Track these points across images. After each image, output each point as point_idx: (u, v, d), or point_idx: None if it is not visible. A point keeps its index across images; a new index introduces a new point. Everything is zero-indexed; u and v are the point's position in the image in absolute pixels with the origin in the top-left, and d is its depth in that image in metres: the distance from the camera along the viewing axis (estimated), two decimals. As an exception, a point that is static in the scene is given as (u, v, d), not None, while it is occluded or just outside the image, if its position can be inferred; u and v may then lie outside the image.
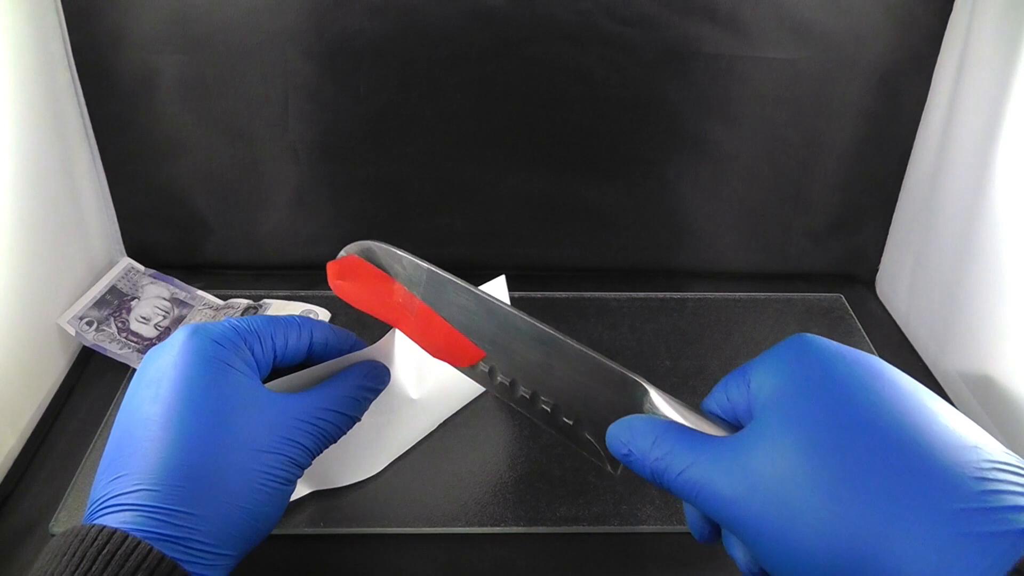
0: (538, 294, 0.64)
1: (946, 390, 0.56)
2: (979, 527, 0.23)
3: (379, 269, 0.40)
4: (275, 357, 0.37)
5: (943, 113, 0.57)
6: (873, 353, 0.58)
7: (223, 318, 0.43)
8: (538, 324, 0.36)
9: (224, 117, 0.59)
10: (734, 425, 0.31)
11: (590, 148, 0.61)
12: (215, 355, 0.34)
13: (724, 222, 0.65)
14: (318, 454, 0.36)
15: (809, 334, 0.30)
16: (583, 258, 0.67)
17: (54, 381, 0.54)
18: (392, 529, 0.44)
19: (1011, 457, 0.25)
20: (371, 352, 0.40)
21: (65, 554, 0.29)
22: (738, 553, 0.30)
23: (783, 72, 0.58)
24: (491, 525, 0.45)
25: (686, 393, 0.54)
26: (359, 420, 0.39)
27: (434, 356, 0.40)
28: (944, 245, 0.57)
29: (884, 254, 0.67)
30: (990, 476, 0.24)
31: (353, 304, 0.41)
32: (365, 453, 0.45)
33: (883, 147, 0.62)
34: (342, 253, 0.41)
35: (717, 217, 0.65)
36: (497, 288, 0.47)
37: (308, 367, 0.38)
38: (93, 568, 0.28)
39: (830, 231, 0.66)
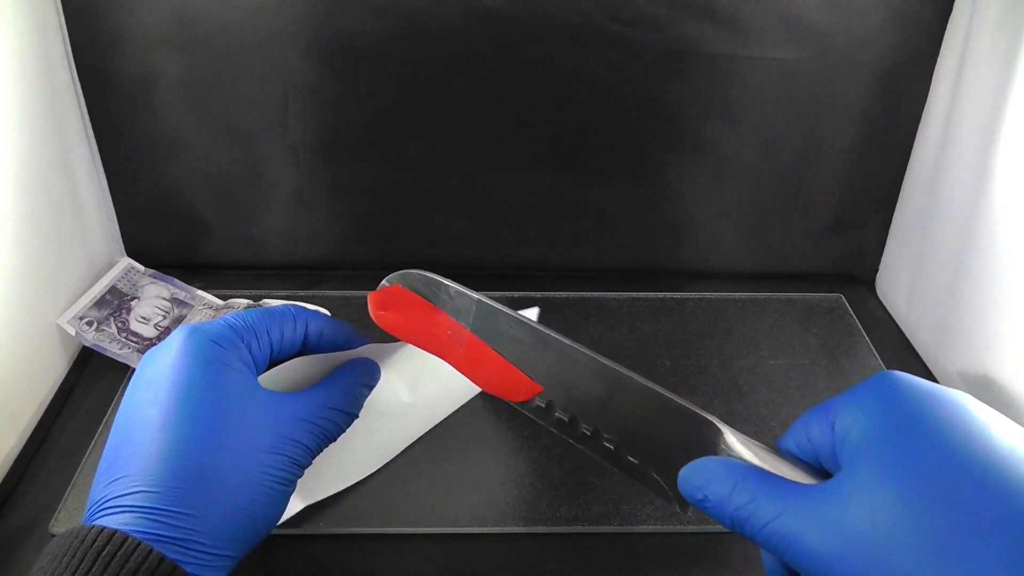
0: (538, 294, 0.64)
1: (946, 390, 0.56)
2: None
3: (424, 299, 0.39)
4: (272, 352, 0.37)
5: (943, 113, 0.57)
6: (873, 353, 0.58)
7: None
8: (599, 358, 0.34)
9: (224, 117, 0.59)
10: (816, 468, 0.29)
11: (590, 148, 0.61)
12: (213, 355, 0.34)
13: (724, 222, 0.65)
14: (318, 453, 0.36)
15: (897, 372, 0.28)
16: (583, 258, 0.67)
17: (54, 381, 0.54)
18: (392, 529, 0.44)
19: None
20: (364, 351, 0.41)
21: (65, 555, 0.29)
22: None
23: (783, 72, 0.58)
24: (491, 525, 0.45)
25: (686, 393, 0.54)
26: (357, 416, 0.39)
27: (486, 390, 0.39)
28: (944, 245, 0.57)
29: (884, 254, 0.66)
30: None
31: (398, 336, 0.40)
32: (356, 458, 0.45)
33: (883, 147, 0.62)
34: (384, 283, 0.40)
35: (717, 217, 0.65)
36: (529, 317, 0.45)
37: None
38: (93, 569, 0.28)
39: (830, 231, 0.66)
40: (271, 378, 0.37)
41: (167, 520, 0.30)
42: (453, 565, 0.43)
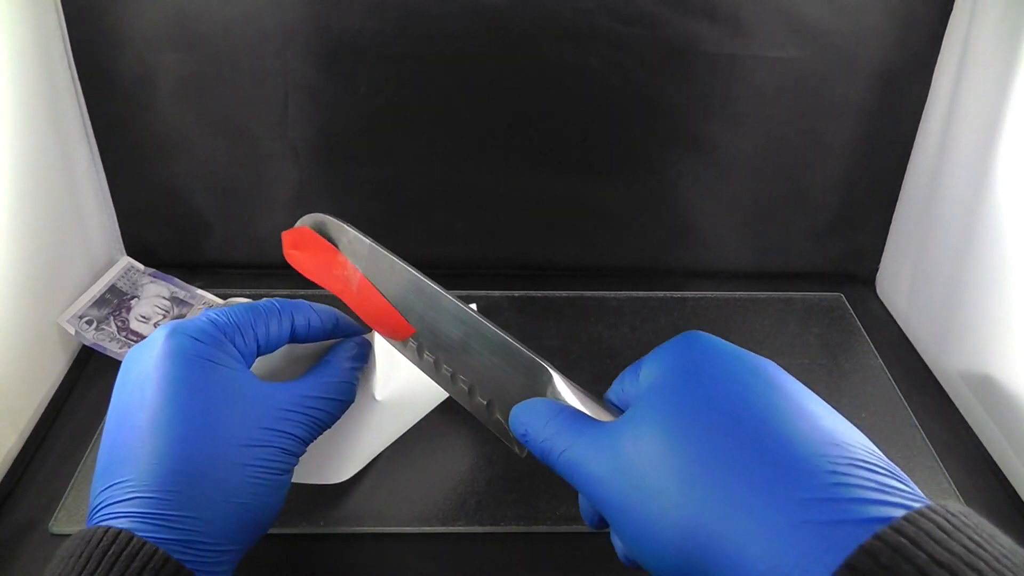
0: (538, 293, 0.64)
1: (946, 389, 0.56)
2: (820, 516, 0.23)
3: (328, 241, 0.42)
4: (259, 346, 0.37)
5: (943, 113, 0.57)
6: (873, 352, 0.58)
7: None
8: (460, 304, 0.37)
9: (224, 116, 0.59)
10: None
11: (590, 147, 0.61)
12: (197, 353, 0.34)
13: (724, 221, 0.65)
14: (312, 441, 0.36)
15: (703, 333, 0.31)
16: (583, 257, 0.67)
17: (54, 380, 0.54)
18: (392, 528, 0.44)
19: (875, 457, 0.25)
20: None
21: (72, 556, 0.29)
22: (616, 540, 0.31)
23: (783, 71, 0.58)
24: (491, 525, 0.45)
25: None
26: (351, 402, 0.39)
27: (373, 329, 0.41)
28: (944, 244, 0.57)
29: (884, 253, 0.66)
30: (844, 471, 0.24)
31: (303, 274, 0.43)
32: (332, 456, 0.44)
33: (883, 146, 0.62)
34: (297, 224, 0.43)
35: (717, 216, 0.65)
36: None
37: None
38: (99, 569, 0.28)
39: (830, 230, 0.66)
40: (260, 366, 0.37)
41: (166, 523, 0.30)
42: (453, 564, 0.43)
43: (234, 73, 0.57)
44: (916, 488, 0.25)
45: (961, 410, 0.54)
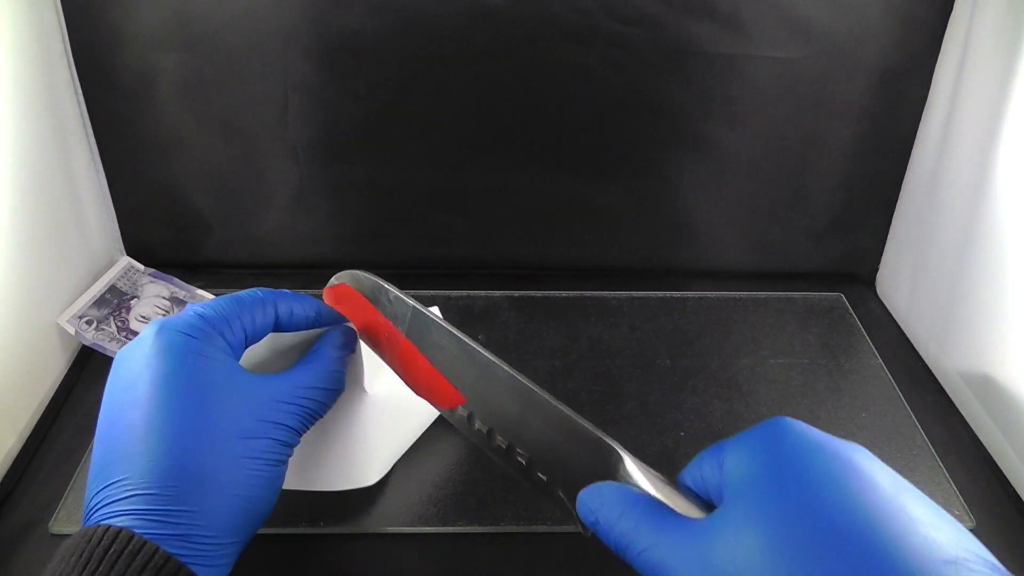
0: (538, 293, 0.64)
1: (946, 389, 0.56)
2: None
3: (367, 300, 0.40)
4: (246, 337, 0.37)
5: (944, 112, 0.57)
6: (873, 353, 0.58)
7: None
8: (516, 375, 0.35)
9: (224, 116, 0.59)
10: (707, 503, 0.30)
11: (590, 147, 0.61)
12: (187, 348, 0.33)
13: (724, 221, 0.65)
14: (305, 431, 0.36)
15: (791, 419, 0.29)
16: (583, 257, 0.67)
17: (53, 380, 0.54)
18: (392, 529, 0.44)
19: (978, 561, 0.24)
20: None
21: (73, 555, 0.29)
22: None
23: (784, 71, 0.58)
24: (491, 524, 0.44)
25: (686, 393, 0.54)
26: (342, 391, 0.39)
27: (417, 394, 0.40)
28: (945, 244, 0.57)
29: (884, 253, 0.66)
30: None
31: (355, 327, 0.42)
32: (349, 460, 0.44)
33: (884, 146, 0.62)
34: (333, 280, 0.42)
35: (717, 216, 0.65)
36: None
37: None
38: (100, 568, 0.28)
39: (830, 230, 0.66)
40: (247, 357, 0.37)
41: (165, 519, 0.30)
42: (453, 564, 0.43)
43: (234, 73, 0.57)
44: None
45: (961, 410, 0.54)
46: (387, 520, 0.44)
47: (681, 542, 0.27)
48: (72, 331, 0.55)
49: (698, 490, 0.30)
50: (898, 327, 0.63)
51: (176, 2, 0.54)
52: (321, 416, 0.37)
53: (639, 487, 0.31)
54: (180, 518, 0.30)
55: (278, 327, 0.38)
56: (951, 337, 0.56)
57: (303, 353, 0.40)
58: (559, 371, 0.55)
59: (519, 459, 0.36)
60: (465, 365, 0.37)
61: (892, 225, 0.65)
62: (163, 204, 0.63)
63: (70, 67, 0.56)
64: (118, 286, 0.60)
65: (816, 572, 0.24)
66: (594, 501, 0.31)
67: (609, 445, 0.33)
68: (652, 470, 0.32)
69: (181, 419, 0.32)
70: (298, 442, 0.36)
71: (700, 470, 0.30)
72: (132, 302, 0.59)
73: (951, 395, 0.55)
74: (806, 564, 0.24)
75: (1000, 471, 0.50)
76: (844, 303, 0.64)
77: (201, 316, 0.35)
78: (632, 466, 0.32)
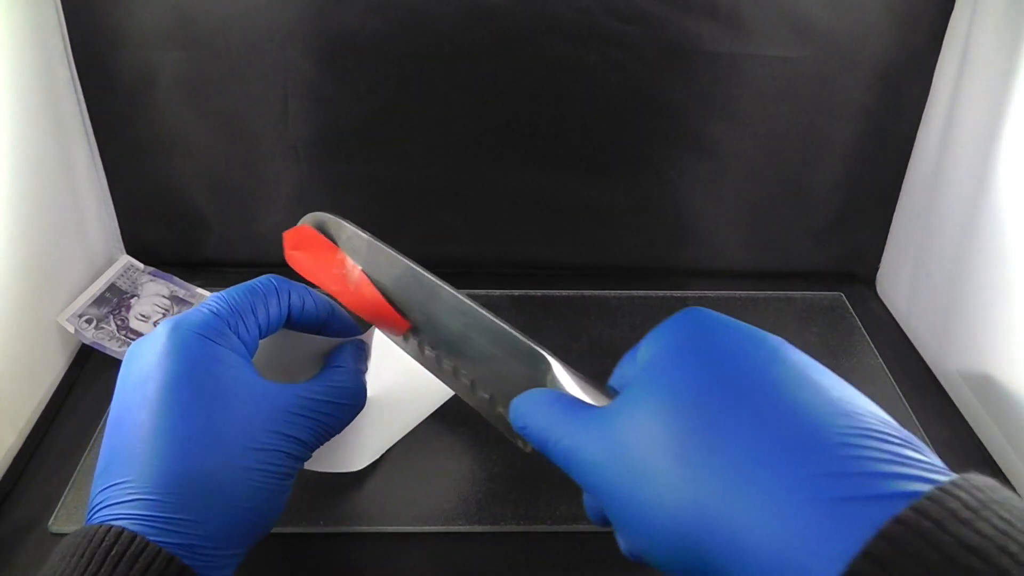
0: (538, 292, 0.64)
1: (946, 389, 0.56)
2: (831, 492, 0.21)
3: (328, 239, 0.41)
4: (260, 332, 0.36)
5: (944, 112, 0.57)
6: (873, 352, 0.58)
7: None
8: (458, 294, 0.37)
9: (224, 115, 0.59)
10: None
11: (590, 146, 0.61)
12: (200, 352, 0.32)
13: (724, 220, 0.65)
14: (318, 446, 0.35)
15: (705, 308, 0.29)
16: (583, 256, 0.67)
17: (53, 379, 0.54)
18: (392, 528, 0.44)
19: (890, 427, 0.23)
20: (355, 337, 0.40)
21: (74, 555, 0.28)
22: (619, 537, 0.29)
23: (784, 70, 0.58)
24: (491, 524, 0.44)
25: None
26: (361, 408, 0.38)
27: (371, 323, 0.41)
28: (945, 244, 0.57)
29: (885, 253, 0.66)
30: (856, 443, 0.22)
31: (303, 275, 0.42)
32: (337, 446, 0.44)
33: (884, 145, 0.62)
34: (300, 223, 0.43)
35: (717, 215, 0.65)
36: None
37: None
38: (102, 570, 0.27)
39: (831, 229, 0.66)
40: (259, 353, 0.36)
41: (167, 527, 0.29)
42: (453, 564, 0.43)
43: (234, 71, 0.57)
44: (936, 458, 0.23)
45: (961, 410, 0.54)
46: (387, 520, 0.44)
47: (589, 426, 0.28)
48: (72, 330, 0.55)
49: (620, 388, 0.30)
50: (898, 327, 0.63)
51: (176, 1, 0.54)
52: (337, 432, 0.36)
53: (565, 390, 0.32)
54: (182, 527, 0.30)
55: (291, 319, 0.37)
56: (951, 337, 0.56)
57: (319, 361, 0.39)
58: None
59: (464, 380, 0.38)
60: (414, 290, 0.38)
61: (892, 225, 0.65)
62: (163, 203, 0.63)
63: (70, 66, 0.56)
64: (118, 285, 0.60)
65: (706, 430, 0.24)
66: (523, 406, 0.32)
67: (539, 352, 0.34)
68: (580, 374, 0.33)
69: (189, 426, 0.31)
70: (310, 456, 0.35)
71: (621, 368, 0.31)
72: (132, 301, 0.59)
73: (951, 395, 0.55)
74: (698, 421, 0.24)
75: (1000, 471, 0.50)
76: (844, 303, 0.64)
77: (216, 314, 0.34)
78: (560, 370, 0.33)
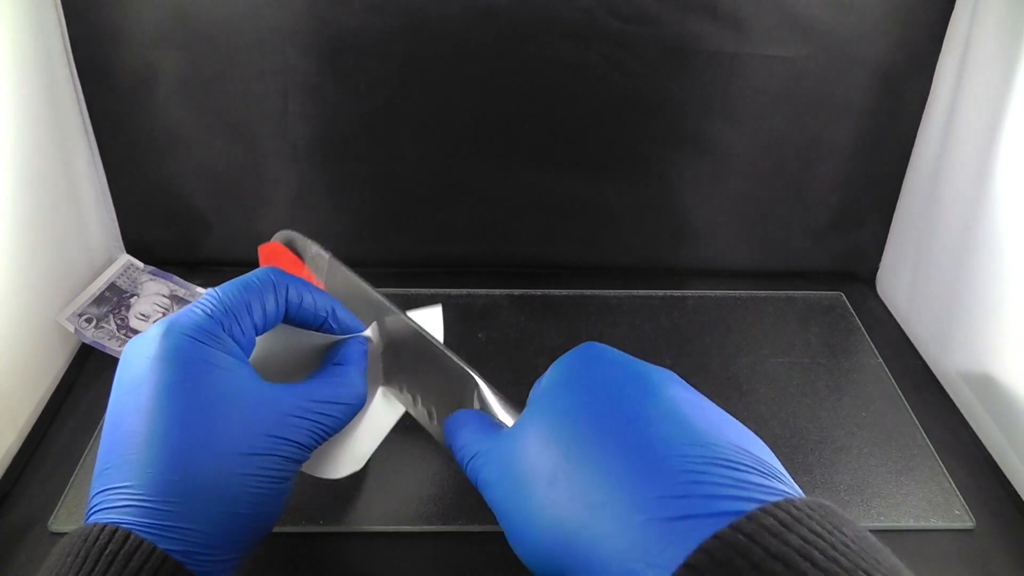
0: (538, 292, 0.64)
1: (946, 389, 0.56)
2: (668, 512, 0.24)
3: (296, 255, 0.44)
4: (257, 331, 0.35)
5: (944, 111, 0.57)
6: (873, 352, 0.58)
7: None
8: (402, 315, 0.39)
9: (224, 114, 0.59)
10: None
11: (590, 146, 0.61)
12: (193, 354, 0.32)
13: (725, 220, 0.65)
14: (316, 447, 0.35)
15: (599, 343, 0.32)
16: (583, 256, 0.67)
17: (53, 378, 0.54)
18: (392, 528, 0.44)
19: (747, 457, 0.26)
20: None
21: (69, 554, 0.28)
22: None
23: (784, 70, 0.58)
24: (492, 523, 0.44)
25: (686, 391, 0.54)
26: (361, 406, 0.37)
27: None
28: (945, 243, 0.57)
29: (885, 252, 0.66)
30: (701, 468, 0.25)
31: None
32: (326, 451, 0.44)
33: (884, 145, 0.62)
34: (273, 239, 0.45)
35: (718, 215, 0.65)
36: (431, 317, 0.46)
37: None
38: (96, 568, 0.27)
39: (831, 229, 0.66)
40: (257, 350, 0.36)
41: (161, 533, 0.29)
42: (453, 563, 0.43)
43: (234, 71, 0.57)
44: (791, 485, 0.26)
45: (961, 410, 0.54)
46: (387, 519, 0.44)
47: (493, 446, 0.32)
48: (72, 329, 0.55)
49: None
50: (898, 327, 0.63)
51: (176, 0, 0.54)
52: (335, 431, 0.36)
53: (492, 411, 0.35)
54: (178, 534, 0.29)
55: (289, 315, 0.36)
56: (951, 337, 0.56)
57: (320, 357, 0.38)
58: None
59: (408, 395, 0.40)
60: (365, 306, 0.40)
61: (892, 225, 0.65)
62: (163, 202, 0.63)
63: (70, 65, 0.56)
64: (118, 284, 0.60)
65: (575, 453, 0.27)
66: (451, 425, 0.35)
67: (467, 373, 0.37)
68: (503, 396, 0.36)
69: (184, 433, 0.30)
70: (307, 458, 0.35)
71: (531, 394, 0.33)
72: (132, 300, 0.59)
73: (951, 395, 0.55)
74: (569, 447, 0.27)
75: (1000, 471, 0.50)
76: (844, 302, 0.64)
77: (210, 316, 0.33)
78: (486, 392, 0.36)
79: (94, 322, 0.56)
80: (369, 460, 0.46)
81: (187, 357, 0.32)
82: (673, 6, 0.55)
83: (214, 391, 0.32)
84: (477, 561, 0.43)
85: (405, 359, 0.40)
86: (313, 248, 0.43)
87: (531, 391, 0.33)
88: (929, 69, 0.58)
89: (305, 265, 0.43)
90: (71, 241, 0.58)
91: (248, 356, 0.35)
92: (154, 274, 0.62)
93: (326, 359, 0.38)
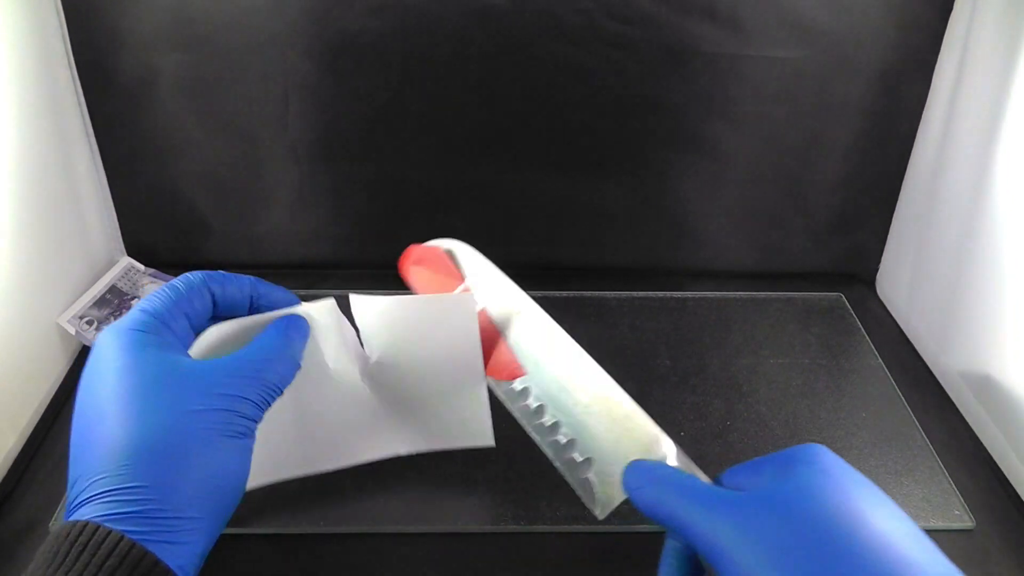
0: (538, 293, 0.63)
1: (946, 389, 0.56)
2: None
3: (455, 267, 0.43)
4: (191, 326, 0.37)
5: (943, 112, 0.57)
6: (873, 352, 0.58)
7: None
8: (598, 368, 0.38)
9: (224, 116, 0.59)
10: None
11: (590, 147, 0.61)
12: (132, 341, 0.34)
13: (724, 221, 0.65)
14: (268, 404, 0.36)
15: (820, 446, 0.33)
16: (583, 257, 0.67)
17: (54, 380, 0.54)
18: (392, 528, 0.44)
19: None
20: (298, 309, 0.40)
21: (46, 551, 0.29)
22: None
23: (783, 71, 0.58)
24: (491, 524, 0.45)
25: (686, 393, 0.54)
26: (299, 366, 0.39)
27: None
28: (944, 244, 0.57)
29: (884, 253, 0.66)
30: None
31: (412, 288, 0.44)
32: (343, 441, 0.45)
33: (884, 146, 0.62)
34: (433, 243, 0.44)
35: (717, 216, 0.65)
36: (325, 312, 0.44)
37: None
38: (67, 560, 0.29)
39: (830, 230, 0.66)
40: (205, 341, 0.38)
41: (118, 498, 0.30)
42: (453, 564, 0.43)
43: (234, 73, 0.57)
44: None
45: (961, 410, 0.54)
46: (387, 520, 0.44)
47: (720, 508, 0.31)
48: (73, 331, 0.55)
49: (730, 483, 0.34)
50: (898, 327, 0.63)
51: (176, 2, 0.54)
52: (280, 390, 0.37)
53: (677, 465, 0.35)
54: (133, 494, 0.30)
55: (216, 308, 0.39)
56: (951, 337, 0.56)
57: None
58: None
59: (559, 437, 0.38)
60: (541, 345, 0.39)
61: (892, 225, 0.65)
62: (163, 204, 0.63)
63: (70, 67, 0.56)
64: (118, 286, 0.60)
65: (826, 560, 0.28)
66: (642, 476, 0.35)
67: (660, 439, 0.36)
68: (686, 454, 0.35)
69: (129, 405, 0.32)
70: (261, 415, 0.36)
71: (734, 477, 0.34)
72: (133, 302, 0.59)
73: (951, 395, 0.55)
74: (821, 552, 0.28)
75: (1000, 471, 0.50)
76: (844, 303, 0.64)
77: (145, 311, 0.36)
78: (678, 456, 0.35)
79: (95, 324, 0.56)
80: (369, 461, 0.46)
81: (126, 345, 0.34)
82: (672, 8, 0.55)
83: (155, 366, 0.34)
84: (477, 562, 0.43)
85: (577, 408, 0.38)
86: (481, 263, 0.43)
87: (732, 475, 0.34)
88: (928, 70, 0.58)
89: (464, 279, 0.43)
90: (72, 243, 0.58)
91: (186, 347, 0.37)
92: (155, 276, 0.62)
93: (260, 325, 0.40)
